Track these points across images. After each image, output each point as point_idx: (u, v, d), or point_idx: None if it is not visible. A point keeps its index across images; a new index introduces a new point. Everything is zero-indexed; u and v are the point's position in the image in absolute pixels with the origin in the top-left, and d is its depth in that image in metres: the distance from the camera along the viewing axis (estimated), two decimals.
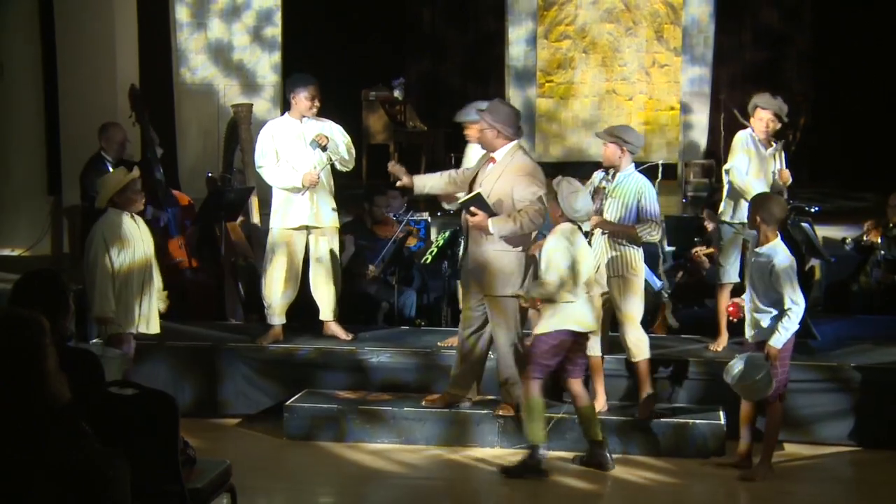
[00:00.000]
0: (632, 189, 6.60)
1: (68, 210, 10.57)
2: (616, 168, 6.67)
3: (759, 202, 6.23)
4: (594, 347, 6.58)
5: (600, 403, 6.70)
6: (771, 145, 7.08)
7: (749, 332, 6.20)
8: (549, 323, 6.08)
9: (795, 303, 5.96)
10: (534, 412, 6.14)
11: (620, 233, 6.59)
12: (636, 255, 6.65)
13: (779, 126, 7.07)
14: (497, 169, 6.50)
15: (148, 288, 6.43)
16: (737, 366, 6.15)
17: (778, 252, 6.04)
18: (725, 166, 7.19)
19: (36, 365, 2.90)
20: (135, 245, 6.32)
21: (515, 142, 6.56)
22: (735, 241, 7.12)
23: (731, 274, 7.15)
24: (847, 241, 9.04)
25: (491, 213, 6.35)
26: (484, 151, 6.76)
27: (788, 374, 6.18)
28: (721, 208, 7.25)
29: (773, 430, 6.18)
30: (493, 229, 6.32)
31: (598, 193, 6.65)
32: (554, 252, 6.05)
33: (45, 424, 2.85)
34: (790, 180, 7.03)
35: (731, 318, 6.61)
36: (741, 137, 7.12)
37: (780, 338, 6.00)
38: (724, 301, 7.15)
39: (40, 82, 11.25)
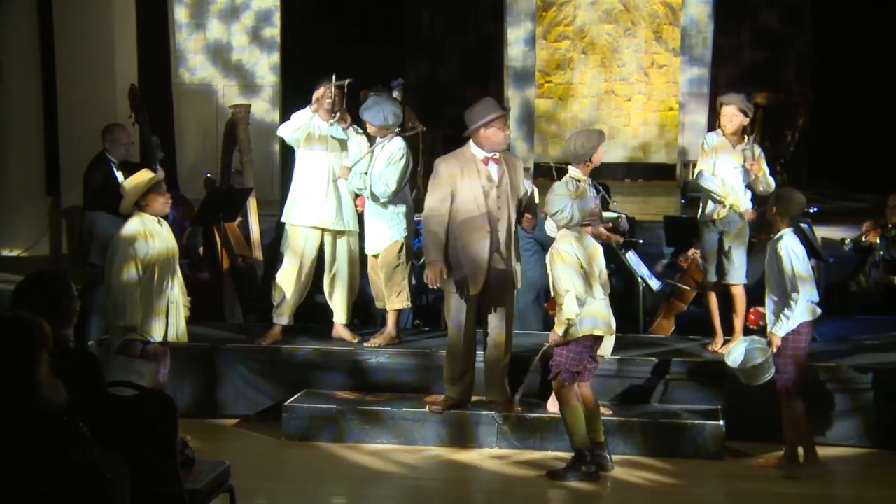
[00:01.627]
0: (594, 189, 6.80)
1: (67, 211, 10.56)
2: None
3: (780, 193, 6.34)
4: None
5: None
6: (742, 141, 7.05)
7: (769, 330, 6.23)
8: (572, 330, 6.04)
9: (795, 289, 5.96)
10: (575, 418, 6.13)
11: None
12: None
13: (746, 120, 7.03)
14: (505, 165, 6.57)
15: (176, 293, 6.36)
16: (737, 348, 6.25)
17: (785, 237, 6.07)
18: (696, 171, 7.24)
19: (29, 369, 2.89)
20: (159, 250, 6.25)
21: None
22: (714, 240, 7.11)
23: (713, 272, 7.15)
24: (846, 241, 9.03)
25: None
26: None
27: (797, 374, 6.14)
28: (699, 209, 7.25)
29: (793, 429, 6.20)
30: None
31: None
32: (562, 255, 6.01)
33: (42, 427, 2.85)
34: (761, 172, 6.95)
35: (750, 325, 6.60)
36: (706, 139, 7.12)
37: (782, 325, 6.01)
38: (714, 300, 7.16)
39: (39, 83, 11.25)
